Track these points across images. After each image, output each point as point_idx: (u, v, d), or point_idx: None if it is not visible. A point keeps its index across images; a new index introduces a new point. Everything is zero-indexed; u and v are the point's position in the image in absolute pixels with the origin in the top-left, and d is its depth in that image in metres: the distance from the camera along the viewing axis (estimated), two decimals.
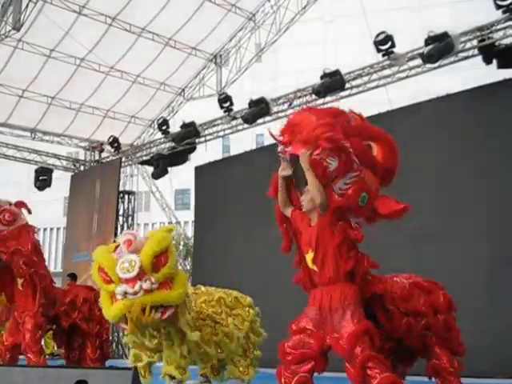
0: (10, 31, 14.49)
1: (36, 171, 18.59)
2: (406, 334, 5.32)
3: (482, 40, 12.04)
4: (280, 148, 5.10)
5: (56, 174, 19.16)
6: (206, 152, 18.37)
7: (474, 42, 12.32)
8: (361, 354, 4.57)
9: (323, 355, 4.87)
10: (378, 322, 5.11)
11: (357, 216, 5.07)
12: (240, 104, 15.81)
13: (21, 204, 9.01)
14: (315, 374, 4.93)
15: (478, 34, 12.16)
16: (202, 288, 8.18)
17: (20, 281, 8.69)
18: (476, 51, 12.29)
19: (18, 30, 14.22)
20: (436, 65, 12.61)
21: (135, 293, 6.43)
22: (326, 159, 4.83)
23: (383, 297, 5.18)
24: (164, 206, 20.88)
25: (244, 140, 23.17)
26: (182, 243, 27.69)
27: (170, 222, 24.07)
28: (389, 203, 4.95)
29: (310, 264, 4.97)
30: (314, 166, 4.81)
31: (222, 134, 17.21)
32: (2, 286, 8.94)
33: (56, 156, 19.71)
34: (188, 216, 26.64)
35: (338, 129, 4.86)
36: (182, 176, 24.47)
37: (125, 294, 6.43)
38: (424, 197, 11.46)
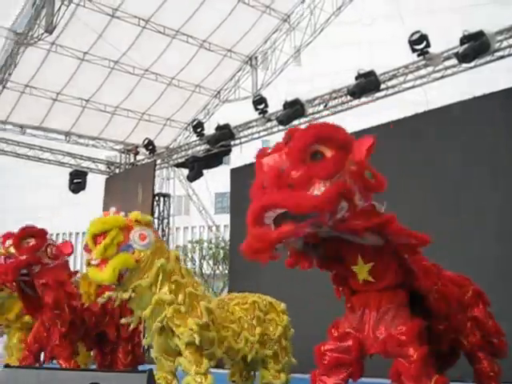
0: (42, 34, 14.43)
1: (70, 174, 18.59)
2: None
3: None
4: None
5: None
6: (247, 155, 18.13)
7: (511, 41, 11.96)
8: (420, 349, 4.39)
9: (360, 361, 4.66)
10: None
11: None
12: (276, 106, 15.58)
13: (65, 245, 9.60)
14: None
15: None
16: (236, 294, 8.21)
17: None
18: None
19: (51, 32, 14.18)
20: (472, 64, 12.26)
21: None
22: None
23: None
24: (201, 209, 20.74)
25: None
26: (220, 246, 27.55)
27: (209, 226, 24.03)
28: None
29: (363, 275, 4.70)
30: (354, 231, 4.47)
31: (256, 136, 16.97)
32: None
33: (90, 159, 19.66)
34: (228, 220, 26.49)
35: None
36: (222, 179, 24.35)
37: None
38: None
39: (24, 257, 8.73)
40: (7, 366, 3.95)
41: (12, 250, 8.79)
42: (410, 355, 4.37)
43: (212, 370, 7.16)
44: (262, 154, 4.53)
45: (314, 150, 4.31)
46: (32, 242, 8.90)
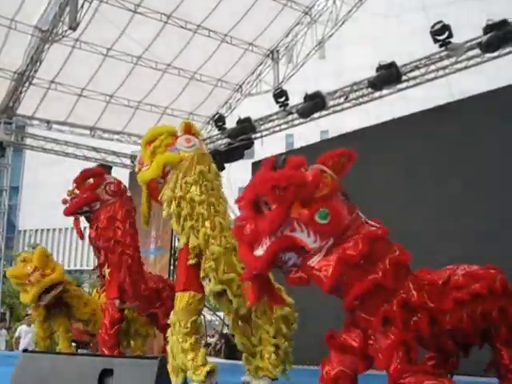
0: (66, 31, 14.39)
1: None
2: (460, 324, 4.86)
3: None
4: None
5: None
6: (269, 149, 17.97)
7: None
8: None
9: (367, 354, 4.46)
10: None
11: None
12: (299, 100, 15.37)
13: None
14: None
15: None
16: None
17: (107, 270, 9.56)
18: None
19: (75, 29, 14.10)
20: (495, 54, 12.02)
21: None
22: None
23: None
24: None
25: (308, 137, 22.67)
26: None
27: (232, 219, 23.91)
28: None
29: None
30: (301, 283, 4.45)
31: (278, 129, 16.79)
32: None
33: (115, 153, 19.63)
34: None
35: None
36: (246, 173, 24.21)
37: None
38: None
39: (84, 196, 9.59)
40: (25, 350, 3.97)
41: (76, 191, 9.69)
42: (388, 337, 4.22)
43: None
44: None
45: (264, 201, 4.37)
46: (91, 181, 9.76)
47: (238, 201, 4.57)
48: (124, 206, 9.79)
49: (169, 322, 7.98)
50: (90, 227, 9.77)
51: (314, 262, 4.30)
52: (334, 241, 4.31)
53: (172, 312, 7.99)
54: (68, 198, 9.68)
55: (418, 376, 4.14)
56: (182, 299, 7.80)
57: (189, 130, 8.28)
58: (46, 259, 11.84)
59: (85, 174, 9.88)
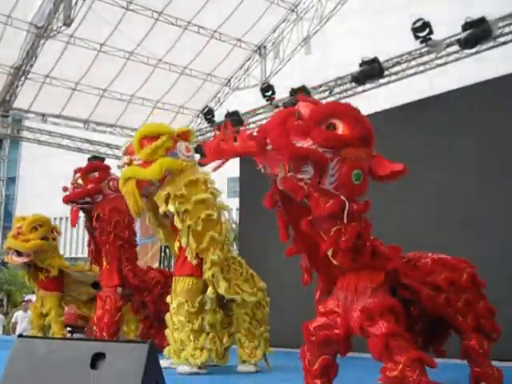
0: (61, 27, 14.46)
1: (89, 159, 18.50)
2: (430, 307, 4.90)
3: None
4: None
5: None
6: None
7: None
8: (385, 328, 4.17)
9: (347, 339, 4.52)
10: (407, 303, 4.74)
11: (360, 195, 4.47)
12: (285, 94, 15.47)
13: None
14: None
15: None
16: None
17: (106, 260, 9.69)
18: None
19: (69, 25, 14.21)
20: (474, 50, 12.07)
21: (121, 166, 8.08)
22: (298, 173, 4.23)
23: (398, 271, 4.70)
24: None
25: None
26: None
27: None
28: (384, 164, 4.39)
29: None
30: (293, 191, 4.25)
31: (264, 122, 16.75)
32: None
33: (108, 145, 19.64)
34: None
35: (289, 135, 4.20)
36: (235, 164, 24.24)
37: (117, 166, 8.35)
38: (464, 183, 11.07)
39: (89, 186, 9.66)
40: (20, 336, 3.99)
41: (80, 181, 9.75)
42: (379, 329, 4.21)
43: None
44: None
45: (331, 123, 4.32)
46: (96, 174, 9.81)
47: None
48: (124, 201, 9.86)
49: (172, 304, 7.97)
50: (88, 218, 9.94)
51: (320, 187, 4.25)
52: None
53: (172, 295, 7.98)
54: (70, 186, 9.78)
55: (404, 341, 4.20)
56: (183, 282, 7.85)
57: (188, 137, 8.30)
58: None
59: (90, 167, 10.11)
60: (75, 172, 9.94)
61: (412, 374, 4.02)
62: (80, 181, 9.73)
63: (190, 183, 7.89)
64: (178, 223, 7.78)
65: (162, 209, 7.91)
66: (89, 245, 10.13)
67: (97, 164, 10.53)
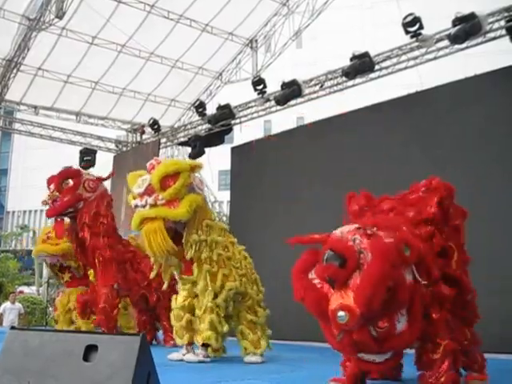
0: (53, 19, 14.31)
1: (81, 152, 18.49)
2: None
3: (510, 20, 11.42)
4: None
5: None
6: (248, 134, 17.90)
7: (502, 23, 11.66)
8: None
9: None
10: None
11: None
12: (277, 88, 15.34)
13: (101, 179, 10.19)
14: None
15: (506, 14, 11.54)
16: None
17: (98, 261, 9.71)
18: (504, 32, 11.65)
19: (61, 18, 14.05)
20: (463, 46, 12.04)
21: (143, 206, 7.52)
22: None
23: None
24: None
25: (285, 123, 22.65)
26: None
27: (211, 202, 23.96)
28: None
29: None
30: None
31: (256, 115, 16.76)
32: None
33: (100, 138, 19.55)
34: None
35: None
36: (226, 157, 24.20)
37: (136, 206, 7.59)
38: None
39: (66, 198, 9.49)
40: (13, 328, 3.97)
41: (56, 193, 9.53)
42: None
43: None
44: None
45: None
46: (70, 182, 9.67)
47: None
48: (104, 198, 9.93)
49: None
50: (73, 224, 9.88)
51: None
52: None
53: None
54: (48, 200, 9.59)
55: None
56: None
57: (199, 169, 8.22)
58: None
59: (62, 176, 9.77)
60: (48, 183, 9.72)
61: None
62: (56, 192, 9.54)
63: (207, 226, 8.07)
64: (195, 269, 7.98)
65: (189, 255, 7.92)
66: (76, 249, 10.09)
67: (67, 171, 10.05)
